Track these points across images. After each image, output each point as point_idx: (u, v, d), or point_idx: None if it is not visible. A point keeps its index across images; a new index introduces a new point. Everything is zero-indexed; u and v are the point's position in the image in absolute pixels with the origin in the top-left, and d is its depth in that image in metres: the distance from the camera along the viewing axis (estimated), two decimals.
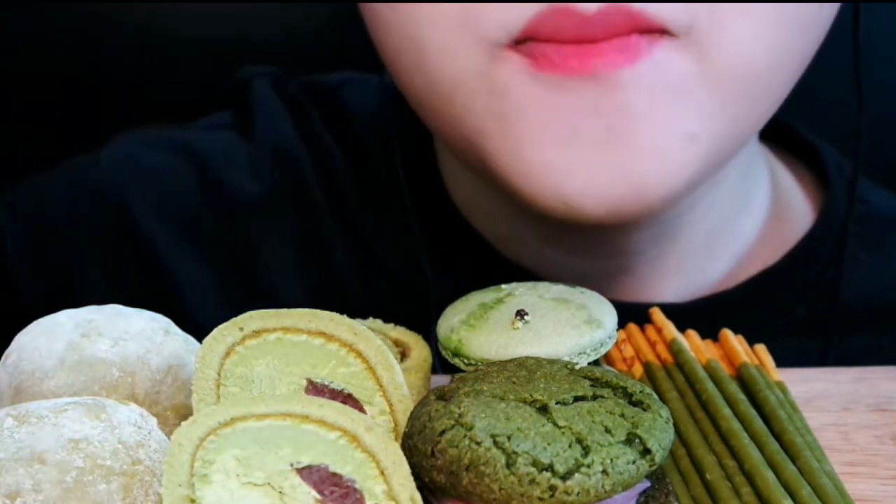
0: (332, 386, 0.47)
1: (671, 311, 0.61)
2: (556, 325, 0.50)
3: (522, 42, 0.52)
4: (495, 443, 0.42)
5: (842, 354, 0.66)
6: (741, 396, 0.52)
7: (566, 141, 0.52)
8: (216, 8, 0.91)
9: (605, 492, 0.42)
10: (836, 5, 0.58)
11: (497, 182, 0.56)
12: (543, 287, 0.54)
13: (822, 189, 0.70)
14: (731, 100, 0.54)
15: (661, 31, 0.51)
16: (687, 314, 0.61)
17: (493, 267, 0.67)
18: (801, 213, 0.70)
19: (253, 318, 0.47)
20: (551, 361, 0.48)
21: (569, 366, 0.47)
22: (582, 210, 0.53)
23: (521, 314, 0.50)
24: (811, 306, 0.67)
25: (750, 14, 0.52)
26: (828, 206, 0.68)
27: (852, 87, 0.65)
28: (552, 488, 0.41)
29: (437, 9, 0.54)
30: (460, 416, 0.43)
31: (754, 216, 0.68)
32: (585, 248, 0.64)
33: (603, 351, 0.50)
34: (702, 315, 0.61)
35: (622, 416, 0.44)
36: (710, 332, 0.59)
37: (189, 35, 0.92)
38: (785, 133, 0.72)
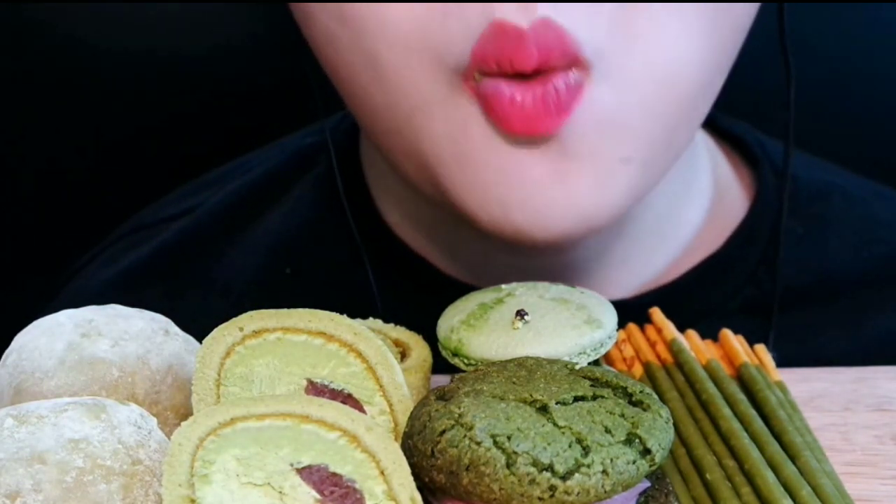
0: (332, 386, 0.47)
1: (622, 305, 0.61)
2: (556, 325, 0.50)
3: (474, 75, 0.53)
4: (495, 443, 0.42)
5: (792, 331, 0.67)
6: (741, 396, 0.52)
7: (517, 183, 0.55)
8: (149, 19, 0.91)
9: (605, 492, 0.42)
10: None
11: (449, 204, 0.58)
12: (543, 287, 0.54)
13: (750, 169, 0.72)
14: (661, 116, 0.55)
15: (579, 62, 0.53)
16: (638, 308, 0.61)
17: (434, 284, 0.67)
18: (736, 195, 0.71)
19: (253, 318, 0.47)
20: (551, 361, 0.48)
21: (569, 366, 0.47)
22: (532, 238, 0.56)
23: (521, 314, 0.50)
24: (758, 286, 0.68)
25: (662, 28, 0.53)
26: (760, 184, 0.70)
27: (780, 62, 0.67)
28: (552, 488, 0.41)
29: (391, 29, 0.54)
30: (460, 416, 0.43)
31: (699, 203, 0.70)
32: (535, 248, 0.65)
33: (603, 351, 0.50)
34: (656, 305, 0.62)
35: (622, 416, 0.44)
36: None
37: (118, 46, 0.92)
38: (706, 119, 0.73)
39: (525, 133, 0.53)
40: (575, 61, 0.52)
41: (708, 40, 0.55)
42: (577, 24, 0.52)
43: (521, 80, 0.53)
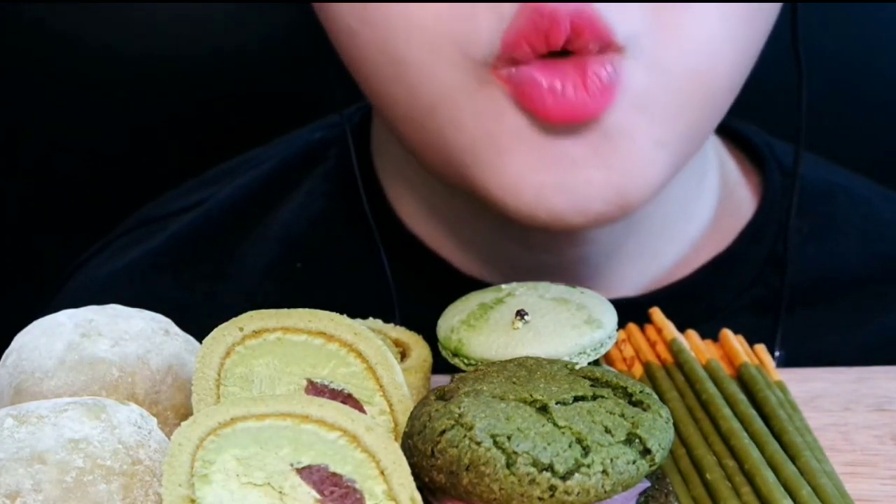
0: (332, 386, 0.47)
1: (630, 304, 0.61)
2: (556, 325, 0.50)
3: (505, 65, 0.54)
4: (495, 443, 0.42)
5: (796, 330, 0.67)
6: (741, 396, 0.52)
7: (555, 164, 0.55)
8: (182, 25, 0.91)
9: (605, 492, 0.42)
10: None
11: (477, 195, 0.58)
12: (543, 287, 0.54)
13: (757, 169, 0.73)
14: (692, 103, 0.56)
15: (613, 45, 0.53)
16: (647, 306, 0.62)
17: (445, 278, 0.67)
18: (744, 195, 0.72)
19: (253, 318, 0.47)
20: (551, 361, 0.48)
21: (569, 366, 0.47)
22: (569, 222, 0.56)
23: (521, 314, 0.50)
24: (766, 285, 0.68)
25: (698, 19, 0.54)
26: (767, 184, 0.71)
27: (792, 62, 0.68)
28: (552, 488, 0.41)
29: (415, 27, 0.54)
30: (460, 416, 0.43)
31: (707, 200, 0.70)
32: (549, 242, 0.66)
33: (603, 351, 0.50)
34: (664, 304, 0.62)
35: (622, 416, 0.44)
36: (674, 319, 0.59)
37: (152, 51, 0.92)
38: None
39: (568, 121, 0.54)
40: (608, 44, 0.53)
41: (742, 34, 0.56)
42: (612, 12, 0.52)
43: (554, 66, 0.53)
